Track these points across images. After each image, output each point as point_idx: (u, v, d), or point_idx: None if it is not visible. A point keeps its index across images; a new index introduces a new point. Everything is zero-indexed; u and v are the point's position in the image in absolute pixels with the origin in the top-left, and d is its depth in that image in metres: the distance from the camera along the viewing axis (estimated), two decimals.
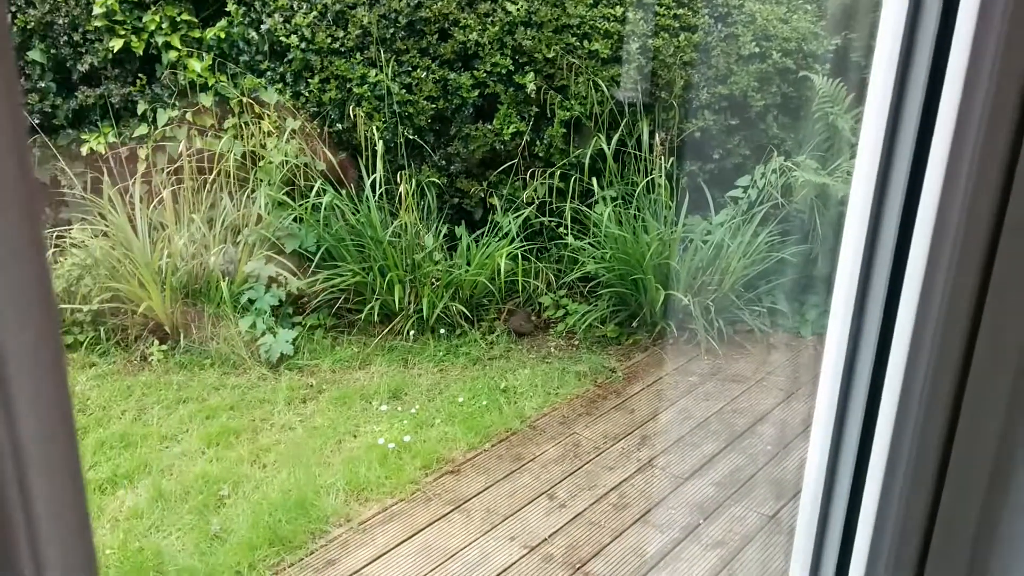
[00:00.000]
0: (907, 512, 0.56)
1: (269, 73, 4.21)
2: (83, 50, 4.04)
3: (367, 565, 2.53)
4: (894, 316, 0.57)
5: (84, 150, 4.02)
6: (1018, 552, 0.61)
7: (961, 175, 0.50)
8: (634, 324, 3.96)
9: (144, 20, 4.04)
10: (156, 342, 3.68)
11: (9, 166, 0.34)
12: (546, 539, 2.64)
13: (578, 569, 2.52)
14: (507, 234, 4.10)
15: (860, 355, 0.60)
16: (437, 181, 4.22)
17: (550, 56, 4.10)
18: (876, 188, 0.55)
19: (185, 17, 4.11)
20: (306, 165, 4.06)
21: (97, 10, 3.94)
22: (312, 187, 4.00)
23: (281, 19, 4.13)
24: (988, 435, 0.58)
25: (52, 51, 4.04)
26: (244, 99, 4.09)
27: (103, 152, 4.03)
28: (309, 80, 4.17)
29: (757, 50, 4.11)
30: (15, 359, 0.37)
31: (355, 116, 4.07)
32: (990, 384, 0.57)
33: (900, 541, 0.56)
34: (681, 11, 4.16)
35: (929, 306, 0.54)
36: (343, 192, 4.03)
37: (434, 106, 4.13)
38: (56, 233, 3.97)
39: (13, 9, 3.99)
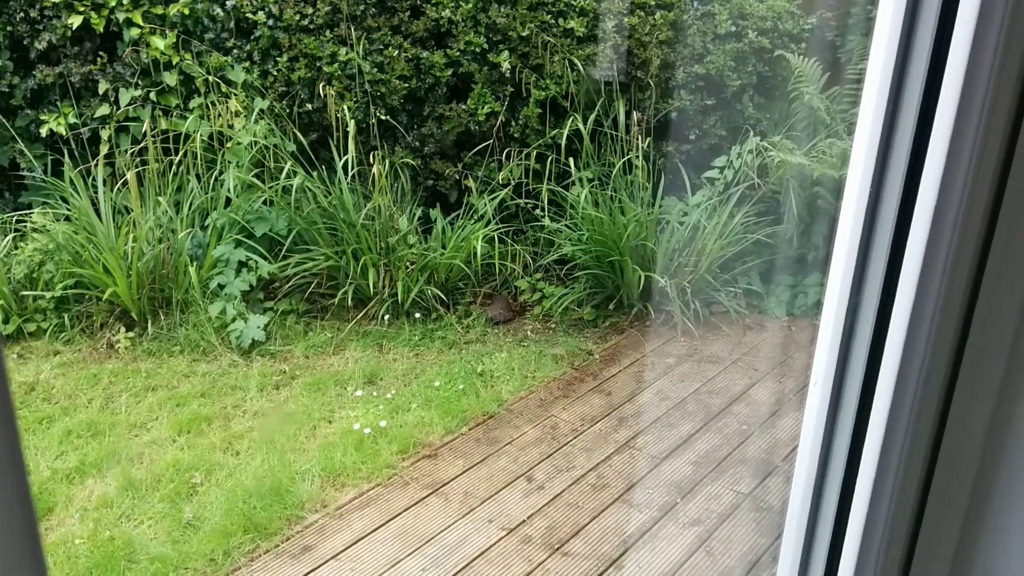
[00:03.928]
0: (897, 509, 0.55)
1: (236, 51, 4.10)
2: (40, 27, 3.90)
3: (344, 550, 2.51)
4: (888, 316, 0.55)
5: (44, 131, 3.89)
6: (1001, 547, 0.60)
7: (963, 156, 0.48)
8: (611, 306, 3.95)
9: None
10: (123, 329, 3.60)
11: None
12: (524, 521, 2.64)
13: (557, 550, 2.52)
14: (483, 216, 4.05)
15: (852, 356, 0.58)
16: (411, 162, 4.15)
17: (525, 34, 4.04)
18: (875, 171, 0.53)
19: None
20: (276, 146, 3.97)
21: None
22: (282, 169, 3.91)
23: None
24: (976, 433, 0.56)
25: (8, 28, 3.89)
26: (210, 78, 3.98)
27: (64, 133, 3.90)
28: (277, 59, 4.06)
29: (733, 29, 4.09)
30: None
31: (326, 96, 3.98)
32: (979, 383, 0.55)
33: (890, 539, 0.55)
34: None
35: (926, 296, 0.52)
36: (315, 174, 3.95)
37: (407, 85, 4.05)
38: (16, 217, 3.85)
39: None
